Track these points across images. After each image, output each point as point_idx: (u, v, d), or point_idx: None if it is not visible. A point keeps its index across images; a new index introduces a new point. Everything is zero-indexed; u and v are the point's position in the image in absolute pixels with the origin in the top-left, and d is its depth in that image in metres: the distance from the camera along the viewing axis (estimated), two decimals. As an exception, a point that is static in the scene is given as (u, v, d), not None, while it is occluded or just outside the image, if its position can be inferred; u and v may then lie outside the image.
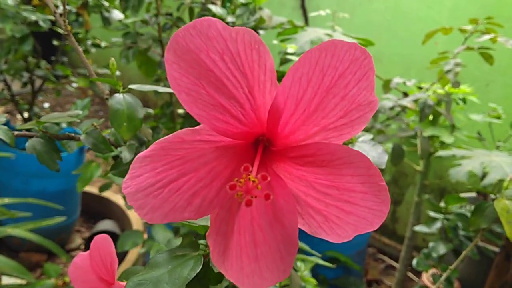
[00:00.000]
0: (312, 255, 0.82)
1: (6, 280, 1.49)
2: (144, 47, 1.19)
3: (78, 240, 2.05)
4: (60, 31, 1.58)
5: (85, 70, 1.59)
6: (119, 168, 0.52)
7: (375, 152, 0.53)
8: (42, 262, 1.84)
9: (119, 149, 0.52)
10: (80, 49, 0.56)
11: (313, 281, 1.04)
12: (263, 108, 0.28)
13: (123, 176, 0.53)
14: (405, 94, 1.21)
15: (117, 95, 0.49)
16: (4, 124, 1.68)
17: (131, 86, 0.50)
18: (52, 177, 1.79)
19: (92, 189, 2.28)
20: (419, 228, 1.40)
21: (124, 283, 0.40)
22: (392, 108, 1.21)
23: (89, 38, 1.60)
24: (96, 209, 2.21)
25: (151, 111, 1.43)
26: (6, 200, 1.35)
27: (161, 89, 0.49)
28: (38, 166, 1.88)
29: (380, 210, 0.28)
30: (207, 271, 0.40)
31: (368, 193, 0.28)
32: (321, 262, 0.77)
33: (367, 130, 1.40)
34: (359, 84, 0.26)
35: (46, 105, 1.91)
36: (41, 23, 1.39)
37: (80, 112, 0.52)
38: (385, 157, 0.52)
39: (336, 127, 0.28)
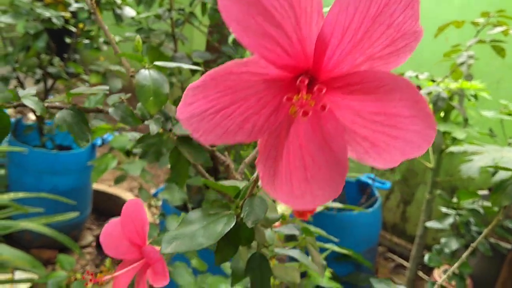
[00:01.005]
0: (328, 241, 0.83)
1: (19, 275, 1.50)
2: (157, 42, 1.20)
3: (89, 238, 2.06)
4: (72, 28, 1.60)
5: (97, 66, 1.60)
6: (146, 141, 0.53)
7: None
8: (53, 259, 1.85)
9: (146, 122, 0.53)
10: (106, 27, 0.57)
11: (327, 273, 1.04)
12: (309, 41, 0.28)
13: (149, 149, 0.54)
14: (418, 88, 1.21)
15: (142, 70, 0.50)
16: (17, 122, 1.69)
17: (157, 63, 0.51)
18: (64, 174, 1.80)
19: (103, 187, 2.29)
20: (431, 224, 1.40)
21: (153, 246, 0.40)
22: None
23: (101, 35, 1.62)
24: (107, 207, 2.22)
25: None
26: (20, 195, 1.37)
27: (185, 66, 0.50)
28: (49, 163, 1.90)
29: (428, 134, 0.28)
30: (238, 231, 0.41)
31: (415, 117, 0.28)
32: (337, 249, 0.78)
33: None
34: (405, 12, 0.27)
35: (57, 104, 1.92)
36: (54, 20, 1.41)
37: (107, 87, 0.53)
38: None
39: (382, 56, 0.28)
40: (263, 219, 0.40)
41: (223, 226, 0.39)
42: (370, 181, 1.71)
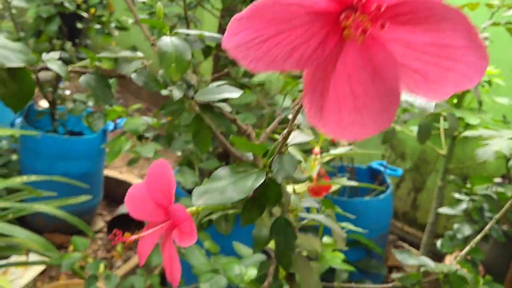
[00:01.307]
0: (344, 220, 0.82)
1: (32, 258, 1.52)
2: (169, 25, 1.20)
3: (100, 223, 2.07)
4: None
5: (108, 52, 1.60)
6: (168, 108, 0.54)
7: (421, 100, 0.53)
8: (66, 243, 1.87)
9: (169, 88, 0.53)
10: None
11: (341, 255, 1.04)
12: None
13: (172, 115, 0.53)
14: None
15: (164, 37, 0.50)
16: (28, 108, 1.69)
17: (178, 30, 0.50)
18: (75, 159, 1.81)
19: (114, 173, 2.30)
20: (444, 210, 1.39)
21: (180, 205, 0.40)
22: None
23: (112, 20, 1.62)
24: (118, 193, 2.23)
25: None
26: (33, 178, 1.38)
27: (207, 33, 0.50)
28: (61, 148, 1.91)
29: (481, 65, 0.28)
30: (266, 190, 0.41)
31: (468, 48, 0.27)
32: (352, 227, 0.77)
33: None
34: None
35: (67, 92, 1.93)
36: (66, 4, 1.40)
37: (137, 52, 0.53)
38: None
39: None
40: (291, 178, 0.40)
41: (252, 181, 0.39)
42: (381, 168, 1.70)
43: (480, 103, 1.23)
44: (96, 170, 1.93)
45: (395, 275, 0.67)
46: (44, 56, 0.50)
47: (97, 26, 1.62)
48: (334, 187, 0.80)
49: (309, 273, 0.53)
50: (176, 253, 0.43)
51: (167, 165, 0.41)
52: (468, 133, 1.25)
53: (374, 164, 1.76)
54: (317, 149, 0.70)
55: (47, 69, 0.49)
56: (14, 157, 1.97)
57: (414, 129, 1.57)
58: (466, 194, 1.32)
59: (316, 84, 0.30)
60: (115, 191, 2.23)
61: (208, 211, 0.47)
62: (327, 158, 0.73)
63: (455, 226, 1.31)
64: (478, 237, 0.90)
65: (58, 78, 1.77)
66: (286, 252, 0.48)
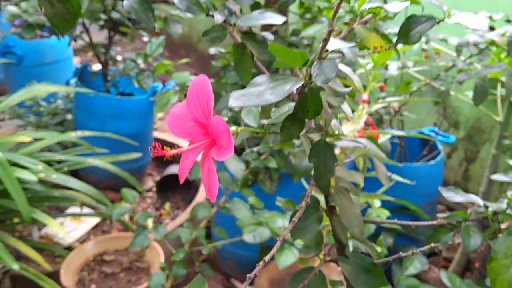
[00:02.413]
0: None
1: (86, 210, 1.59)
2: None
3: (149, 183, 2.14)
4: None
5: (158, 11, 1.62)
6: (211, 34, 0.54)
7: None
8: (117, 200, 1.94)
9: (211, 12, 0.53)
10: None
11: (386, 212, 1.02)
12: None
13: (213, 42, 0.53)
14: (492, 28, 1.13)
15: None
16: (82, 68, 1.75)
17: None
18: (126, 119, 1.86)
19: (163, 136, 2.35)
20: (497, 177, 1.34)
21: (219, 117, 0.41)
22: (476, 45, 1.14)
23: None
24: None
25: (222, 50, 1.42)
26: (87, 133, 1.43)
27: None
28: (113, 108, 1.96)
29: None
30: (305, 102, 0.41)
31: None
32: (399, 178, 0.76)
33: (448, 68, 1.33)
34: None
35: (119, 57, 1.97)
36: (118, -38, 1.42)
37: None
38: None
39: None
40: (332, 90, 0.39)
41: (291, 85, 0.39)
42: (433, 134, 1.65)
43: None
44: (145, 130, 1.98)
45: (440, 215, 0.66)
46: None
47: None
48: (382, 138, 0.78)
49: (349, 206, 0.52)
50: (214, 169, 0.44)
51: (206, 80, 0.41)
52: (529, 95, 1.18)
53: (426, 130, 1.71)
54: (365, 96, 0.69)
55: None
56: (69, 116, 2.05)
57: (470, 94, 1.50)
58: (523, 160, 1.25)
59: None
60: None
61: (247, 134, 0.47)
62: (375, 107, 0.71)
63: (509, 193, 1.26)
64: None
65: (110, 38, 1.81)
66: (324, 175, 0.48)
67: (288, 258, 0.89)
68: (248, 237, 0.96)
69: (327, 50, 0.41)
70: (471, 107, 2.06)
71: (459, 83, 1.22)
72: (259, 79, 0.42)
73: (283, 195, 1.28)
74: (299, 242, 0.94)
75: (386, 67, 1.40)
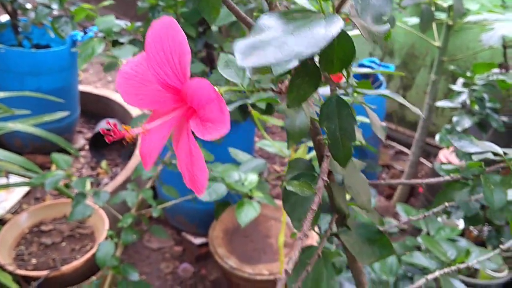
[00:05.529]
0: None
1: (13, 180, 1.44)
2: None
3: (81, 141, 1.99)
4: None
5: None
6: None
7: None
8: (47, 164, 1.79)
9: None
10: None
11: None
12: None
13: None
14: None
15: None
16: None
17: None
18: (46, 74, 1.68)
19: (89, 88, 2.17)
20: (442, 103, 1.33)
21: (201, 79, 0.29)
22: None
23: None
24: (96, 109, 2.12)
25: None
26: (2, 94, 1.26)
27: None
28: (30, 63, 1.76)
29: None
30: (331, 51, 0.31)
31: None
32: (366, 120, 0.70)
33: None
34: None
35: (29, 5, 1.74)
36: None
37: None
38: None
39: None
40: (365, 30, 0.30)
41: (325, 27, 0.26)
42: (373, 65, 1.62)
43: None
44: (69, 84, 1.80)
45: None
46: None
47: None
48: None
49: (353, 171, 0.46)
50: (198, 150, 0.33)
51: (175, 24, 0.29)
52: (471, 18, 1.16)
53: (365, 61, 1.67)
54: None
55: None
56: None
57: (410, 21, 1.47)
58: (466, 84, 1.25)
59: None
60: (93, 107, 2.12)
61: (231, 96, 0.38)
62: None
63: (454, 119, 1.26)
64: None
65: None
66: (342, 142, 0.38)
67: (249, 213, 0.83)
68: (203, 195, 0.89)
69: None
70: (405, 35, 2.05)
71: (403, 9, 1.17)
72: (266, 20, 0.27)
73: (231, 144, 1.21)
74: (258, 195, 0.88)
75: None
